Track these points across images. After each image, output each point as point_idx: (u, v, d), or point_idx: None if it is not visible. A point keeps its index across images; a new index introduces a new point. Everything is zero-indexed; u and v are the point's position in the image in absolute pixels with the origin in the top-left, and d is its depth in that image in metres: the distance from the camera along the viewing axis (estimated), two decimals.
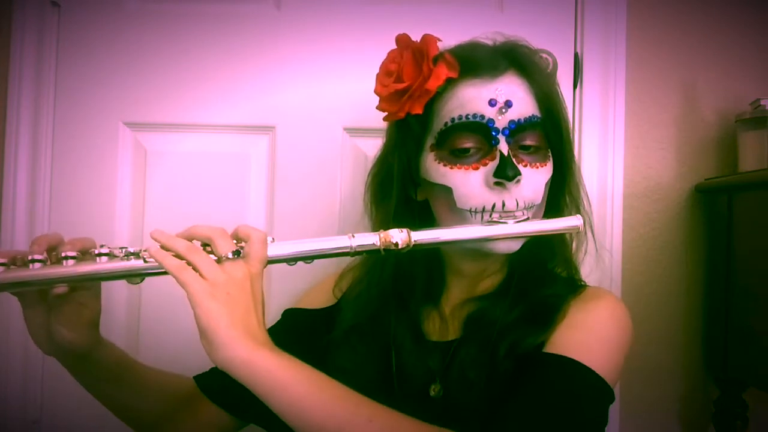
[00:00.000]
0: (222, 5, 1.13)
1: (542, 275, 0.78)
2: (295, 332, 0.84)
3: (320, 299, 0.88)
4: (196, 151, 1.13)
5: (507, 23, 1.12)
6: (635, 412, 1.13)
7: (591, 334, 0.69)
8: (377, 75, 0.78)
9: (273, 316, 0.90)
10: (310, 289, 0.93)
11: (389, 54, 0.77)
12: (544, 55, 1.07)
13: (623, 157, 1.13)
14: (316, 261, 0.66)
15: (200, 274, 0.58)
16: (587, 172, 1.12)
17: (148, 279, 0.63)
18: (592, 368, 0.64)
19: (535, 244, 0.75)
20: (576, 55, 1.13)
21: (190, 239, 0.62)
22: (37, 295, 0.64)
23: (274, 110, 1.12)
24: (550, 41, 1.10)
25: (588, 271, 1.09)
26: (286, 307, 0.90)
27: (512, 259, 0.78)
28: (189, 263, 0.59)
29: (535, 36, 1.11)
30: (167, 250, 0.60)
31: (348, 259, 0.86)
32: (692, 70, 1.15)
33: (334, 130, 1.12)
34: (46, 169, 1.13)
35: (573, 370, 0.64)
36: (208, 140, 1.13)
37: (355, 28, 1.12)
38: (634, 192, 1.15)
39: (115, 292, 1.10)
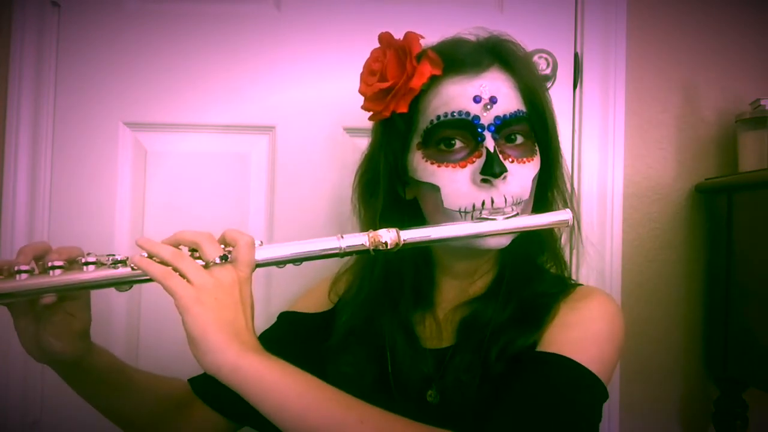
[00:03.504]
0: (222, 5, 1.13)
1: (532, 272, 0.78)
2: (291, 336, 0.84)
3: (316, 303, 0.88)
4: (196, 151, 1.13)
5: (507, 23, 1.12)
6: (635, 412, 1.14)
7: (583, 331, 0.69)
8: (361, 74, 0.77)
9: (274, 315, 0.90)
10: (306, 292, 0.92)
11: (372, 53, 0.77)
12: (545, 55, 1.08)
13: (623, 157, 1.13)
14: (310, 263, 0.66)
15: (187, 280, 0.57)
16: (587, 172, 1.12)
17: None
18: (585, 365, 0.64)
19: (525, 239, 0.75)
20: (576, 55, 1.13)
21: (176, 245, 0.61)
22: (26, 305, 0.63)
23: (274, 110, 1.12)
24: (550, 41, 1.11)
25: (582, 267, 1.11)
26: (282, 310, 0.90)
27: (503, 256, 0.78)
28: (175, 269, 0.58)
29: (535, 36, 1.12)
30: (153, 257, 0.59)
31: (342, 263, 0.86)
32: (692, 70, 1.15)
33: (334, 130, 1.12)
34: (46, 169, 1.13)
35: (565, 367, 0.64)
36: (208, 140, 1.13)
37: (355, 28, 1.12)
38: (634, 192, 1.15)
39: (115, 295, 1.09)
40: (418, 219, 0.78)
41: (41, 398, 1.13)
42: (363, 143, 1.09)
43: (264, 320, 0.89)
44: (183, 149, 1.13)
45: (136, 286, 1.11)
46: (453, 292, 0.80)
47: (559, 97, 1.13)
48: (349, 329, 0.79)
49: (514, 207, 0.71)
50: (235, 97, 1.12)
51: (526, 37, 1.10)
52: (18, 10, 1.12)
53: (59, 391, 1.09)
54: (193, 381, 0.81)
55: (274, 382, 0.56)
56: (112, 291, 1.06)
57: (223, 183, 1.13)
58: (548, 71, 1.07)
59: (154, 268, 0.58)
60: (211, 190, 1.13)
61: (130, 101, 1.13)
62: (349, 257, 0.82)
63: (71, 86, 1.13)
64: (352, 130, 1.12)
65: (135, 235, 1.12)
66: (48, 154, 1.13)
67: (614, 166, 1.12)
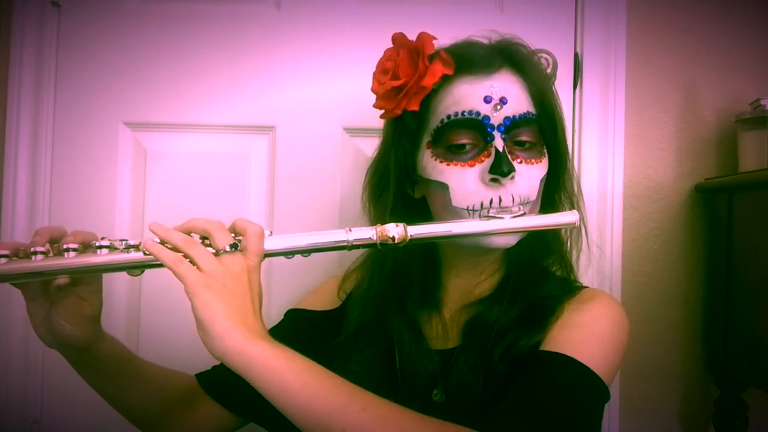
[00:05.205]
0: (222, 5, 1.13)
1: (537, 275, 0.78)
2: (299, 333, 0.83)
3: (324, 301, 0.88)
4: (196, 151, 1.13)
5: (507, 24, 1.12)
6: (635, 412, 1.14)
7: (585, 331, 0.69)
8: (374, 73, 0.78)
9: (274, 317, 0.90)
10: (314, 289, 0.93)
11: (386, 52, 0.78)
12: (544, 55, 1.08)
13: (623, 157, 1.13)
14: (319, 261, 0.66)
15: (197, 267, 0.59)
16: (587, 172, 1.12)
17: (148, 275, 0.63)
18: (587, 365, 0.64)
19: (531, 241, 0.76)
20: (576, 55, 1.13)
21: (188, 232, 0.63)
22: (39, 288, 0.65)
23: (274, 110, 1.12)
24: (550, 41, 1.11)
25: (587, 271, 1.10)
26: (289, 308, 0.90)
27: (509, 258, 0.79)
28: (186, 256, 0.59)
29: (535, 36, 1.11)
30: (165, 243, 0.61)
31: (350, 261, 0.86)
32: (692, 70, 1.15)
33: (334, 130, 1.12)
34: (46, 169, 1.13)
35: (567, 366, 0.65)
36: (208, 140, 1.13)
37: (354, 29, 1.12)
38: (634, 192, 1.15)
39: (116, 288, 1.11)
40: (426, 218, 0.79)
41: (41, 398, 1.13)
42: (363, 143, 1.10)
43: (263, 319, 0.89)
44: (183, 149, 1.13)
45: (137, 281, 1.12)
46: (459, 293, 0.80)
47: (559, 97, 1.13)
48: (359, 326, 0.80)
49: (522, 207, 0.71)
50: (235, 97, 1.12)
51: (526, 37, 1.10)
52: (18, 10, 1.13)
53: (59, 391, 1.11)
54: (200, 376, 0.82)
55: (279, 367, 0.57)
56: (111, 286, 1.08)
57: (223, 183, 1.13)
58: (548, 71, 1.07)
59: (165, 254, 0.59)
60: (211, 190, 1.13)
61: (130, 101, 1.13)
62: (357, 254, 0.83)
63: (71, 86, 1.13)
64: (352, 130, 1.12)
65: (135, 236, 1.13)
66: (48, 154, 1.14)
67: (614, 166, 1.12)
